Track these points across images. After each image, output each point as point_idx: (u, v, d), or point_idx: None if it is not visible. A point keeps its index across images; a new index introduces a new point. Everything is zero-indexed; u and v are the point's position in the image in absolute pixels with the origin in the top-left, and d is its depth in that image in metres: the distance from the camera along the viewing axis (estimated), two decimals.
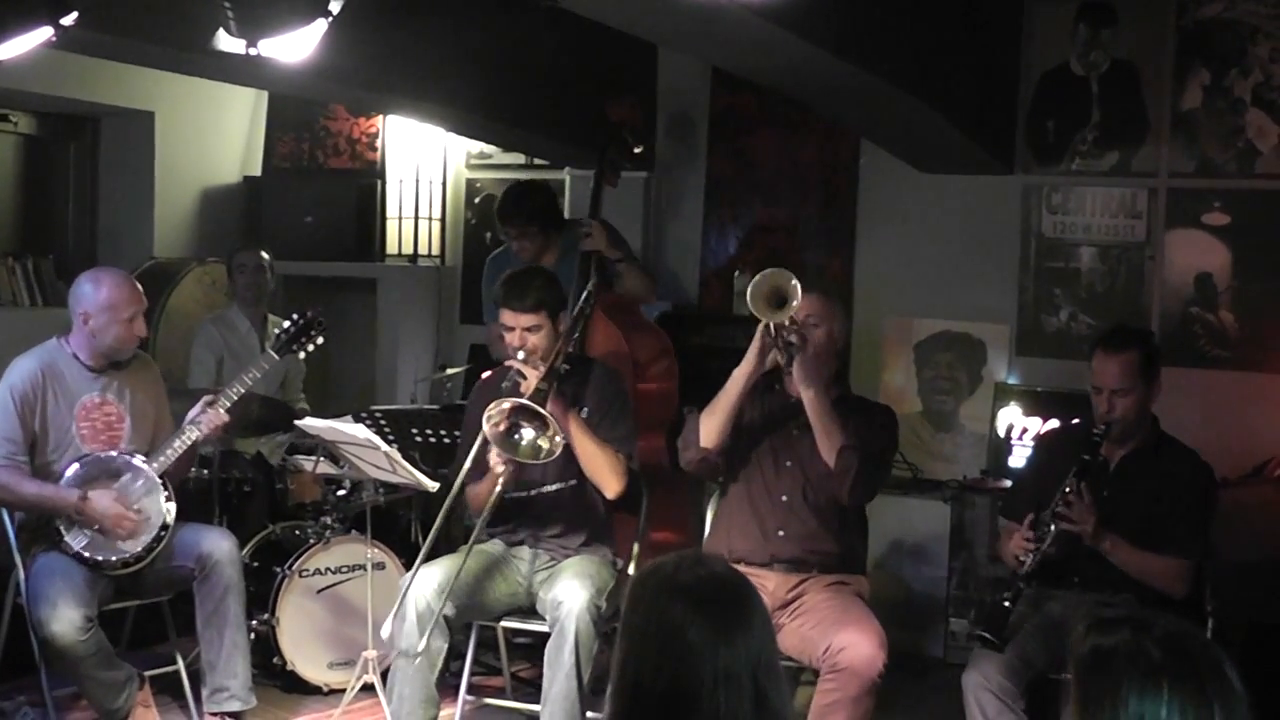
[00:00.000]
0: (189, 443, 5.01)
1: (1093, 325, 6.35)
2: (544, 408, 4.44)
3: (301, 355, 5.40)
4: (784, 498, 4.60)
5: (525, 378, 4.60)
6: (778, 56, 4.90)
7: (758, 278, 4.39)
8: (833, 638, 4.26)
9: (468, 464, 4.66)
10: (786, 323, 4.41)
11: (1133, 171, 6.39)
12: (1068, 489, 4.40)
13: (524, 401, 4.45)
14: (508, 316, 4.74)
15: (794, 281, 4.33)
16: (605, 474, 4.75)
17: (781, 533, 4.58)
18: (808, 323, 4.53)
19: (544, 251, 6.17)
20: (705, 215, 7.31)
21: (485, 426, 4.46)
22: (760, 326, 4.44)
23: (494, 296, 4.87)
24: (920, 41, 5.40)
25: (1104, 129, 6.44)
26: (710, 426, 4.56)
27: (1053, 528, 4.39)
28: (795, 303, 4.32)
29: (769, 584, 4.43)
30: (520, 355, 4.67)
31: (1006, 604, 4.34)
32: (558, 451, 4.47)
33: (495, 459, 4.59)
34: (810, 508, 4.57)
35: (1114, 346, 4.53)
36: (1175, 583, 4.40)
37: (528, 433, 4.49)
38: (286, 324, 5.34)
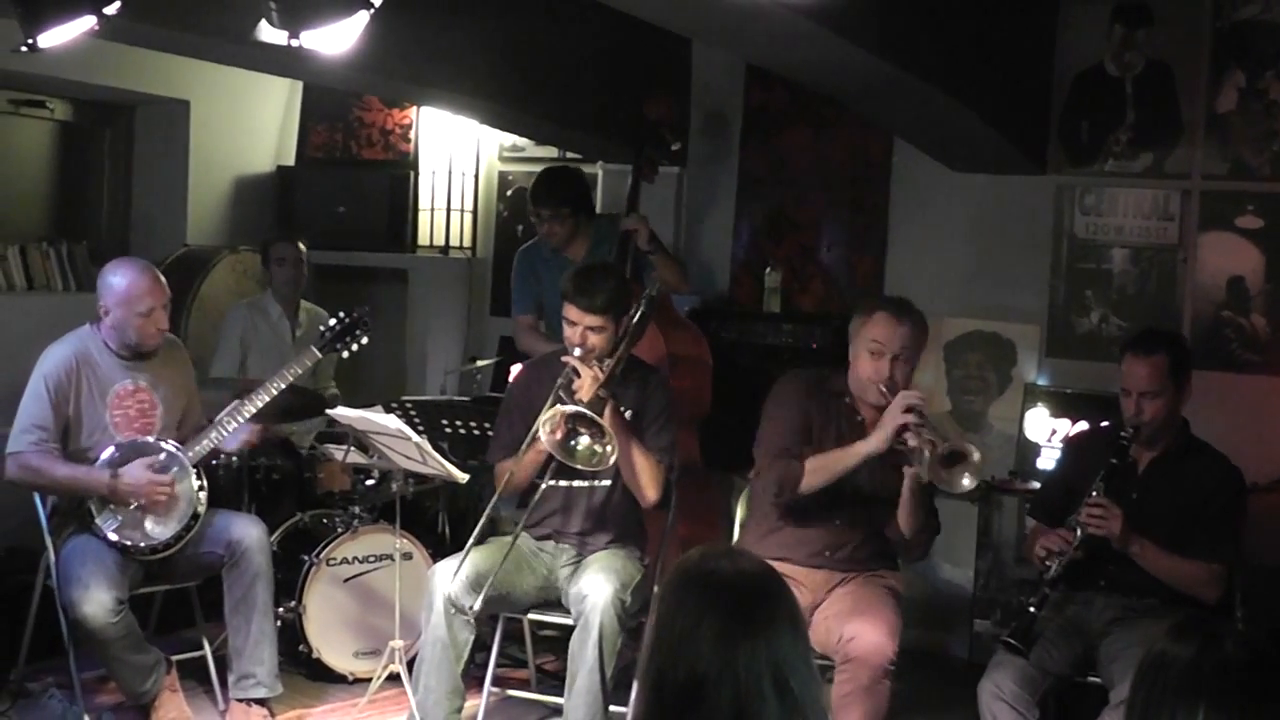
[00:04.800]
0: (227, 432, 5.05)
1: (1124, 327, 6.32)
2: (603, 417, 4.41)
3: (345, 354, 5.44)
4: (837, 521, 4.57)
5: (580, 376, 4.58)
6: (814, 53, 4.90)
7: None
8: (843, 628, 4.28)
9: (524, 448, 4.62)
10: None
11: (1166, 173, 6.36)
12: (1095, 493, 4.39)
13: (586, 411, 4.41)
14: (573, 312, 4.67)
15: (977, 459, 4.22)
16: (646, 482, 4.72)
17: (828, 553, 4.58)
18: (900, 358, 4.45)
19: (573, 238, 6.18)
20: (737, 211, 7.31)
21: (542, 434, 4.42)
22: (906, 416, 4.25)
23: (562, 288, 4.76)
24: (955, 39, 5.39)
25: (1138, 130, 6.40)
26: (815, 481, 4.42)
27: (1079, 532, 4.38)
28: (968, 479, 4.20)
29: (806, 582, 4.44)
30: (576, 352, 4.64)
31: (1033, 609, 4.33)
32: (612, 459, 4.45)
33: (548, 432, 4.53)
34: (865, 532, 4.56)
35: (1144, 349, 4.51)
36: (1207, 587, 4.38)
37: (584, 439, 4.46)
38: (332, 321, 5.39)
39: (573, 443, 4.47)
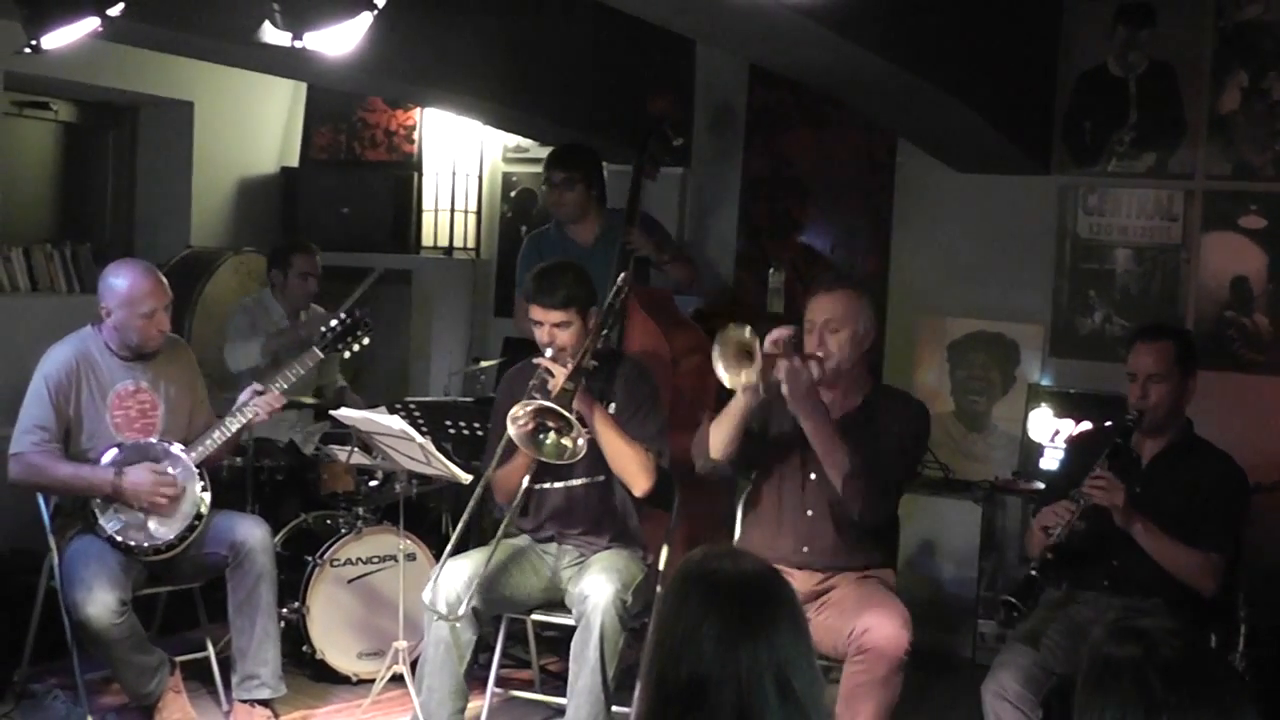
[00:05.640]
0: (231, 431, 5.04)
1: (1127, 327, 6.32)
2: (569, 409, 4.40)
3: (346, 355, 5.43)
4: (809, 512, 4.54)
5: (553, 375, 4.58)
6: (817, 54, 4.90)
7: (721, 340, 4.25)
8: (855, 621, 4.25)
9: (499, 454, 4.66)
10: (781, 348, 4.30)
11: (1169, 173, 6.37)
12: (1098, 468, 4.40)
13: (548, 404, 4.42)
14: (537, 312, 4.70)
15: (752, 335, 4.20)
16: (633, 471, 4.72)
17: (806, 549, 4.54)
18: (827, 328, 4.46)
19: (583, 215, 6.16)
20: (740, 211, 7.31)
21: (510, 428, 4.43)
22: (773, 348, 4.29)
23: (524, 290, 4.85)
24: (958, 40, 5.39)
25: (1141, 130, 6.41)
26: (717, 439, 4.47)
27: (1081, 502, 4.38)
28: (758, 363, 4.18)
29: (796, 580, 4.42)
30: (549, 352, 4.65)
31: (1034, 573, 4.36)
32: (581, 452, 4.44)
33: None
34: (836, 523, 4.51)
35: (1151, 336, 4.58)
36: (1205, 578, 4.38)
37: (551, 434, 4.46)
38: (334, 322, 5.38)
39: (541, 436, 4.47)
